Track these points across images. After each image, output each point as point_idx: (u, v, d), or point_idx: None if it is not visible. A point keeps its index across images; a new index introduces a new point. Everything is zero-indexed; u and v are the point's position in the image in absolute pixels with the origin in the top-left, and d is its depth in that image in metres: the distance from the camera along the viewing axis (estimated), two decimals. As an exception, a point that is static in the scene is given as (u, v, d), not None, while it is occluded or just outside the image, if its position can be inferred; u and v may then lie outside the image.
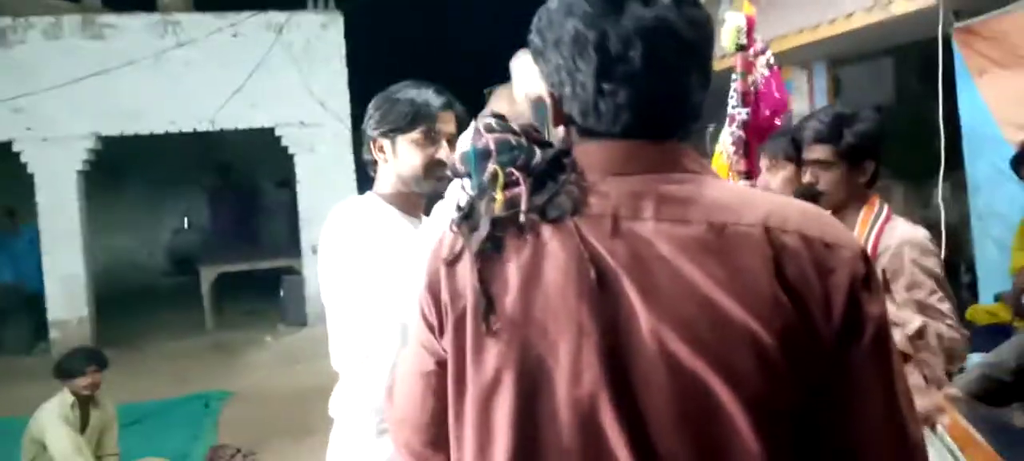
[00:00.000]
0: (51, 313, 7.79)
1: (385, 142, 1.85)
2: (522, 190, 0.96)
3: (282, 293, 8.41)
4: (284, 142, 8.20)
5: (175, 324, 8.74)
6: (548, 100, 1.02)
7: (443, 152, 1.83)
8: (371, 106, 1.88)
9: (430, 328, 1.06)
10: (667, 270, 0.88)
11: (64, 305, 7.78)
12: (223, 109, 7.89)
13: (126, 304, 9.64)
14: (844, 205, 2.15)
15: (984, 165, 4.03)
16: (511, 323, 0.94)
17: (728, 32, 2.63)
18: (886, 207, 2.18)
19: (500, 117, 1.08)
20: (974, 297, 4.10)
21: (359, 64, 8.39)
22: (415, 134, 1.81)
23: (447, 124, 1.85)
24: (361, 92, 8.34)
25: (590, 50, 0.92)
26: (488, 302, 0.95)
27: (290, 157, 8.27)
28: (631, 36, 0.90)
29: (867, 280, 0.88)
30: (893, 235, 2.09)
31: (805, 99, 5.96)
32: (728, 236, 0.87)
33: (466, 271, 0.99)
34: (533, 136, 1.03)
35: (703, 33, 0.95)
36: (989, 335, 3.21)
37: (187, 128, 7.91)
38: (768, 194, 0.97)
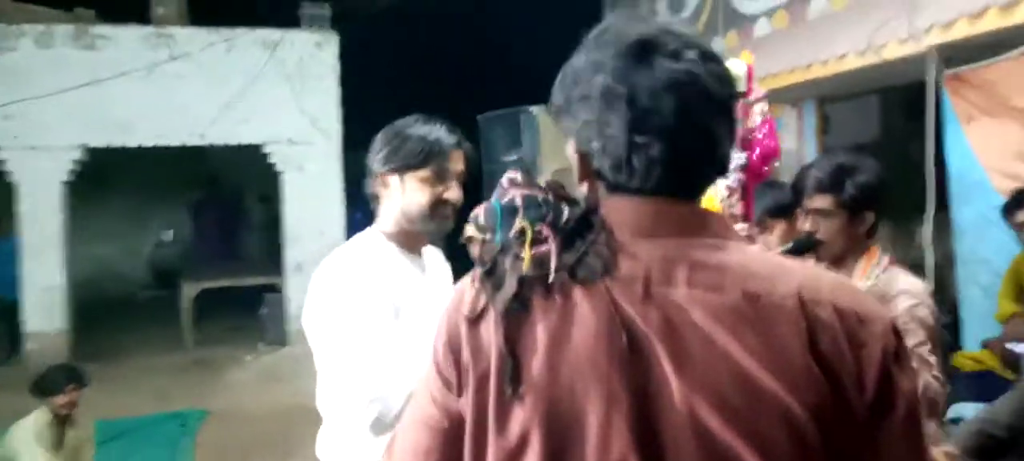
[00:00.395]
0: (28, 324, 7.65)
1: (393, 178, 1.83)
2: (551, 248, 0.95)
3: (263, 311, 8.33)
4: (272, 159, 8.16)
5: (154, 339, 8.62)
6: (574, 157, 1.02)
7: (451, 192, 1.82)
8: (379, 140, 1.86)
9: (446, 384, 1.03)
10: (700, 338, 0.87)
11: (41, 317, 7.64)
12: (213, 124, 7.84)
13: (105, 317, 9.51)
14: (843, 255, 2.16)
15: (970, 211, 4.08)
16: (537, 386, 0.92)
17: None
18: (886, 257, 2.18)
19: (526, 171, 1.08)
20: (954, 339, 4.14)
21: (352, 85, 8.37)
22: (425, 172, 1.79)
23: (457, 163, 1.84)
24: (353, 112, 8.34)
25: (621, 104, 0.92)
26: (514, 364, 0.93)
27: (277, 174, 8.22)
28: (661, 90, 0.91)
29: (898, 354, 0.88)
30: (892, 285, 2.10)
31: (794, 136, 6.02)
32: (762, 306, 0.87)
33: (490, 330, 0.97)
34: (560, 192, 1.02)
35: (729, 89, 0.96)
36: (975, 382, 3.24)
37: (176, 142, 7.85)
38: (799, 263, 0.98)
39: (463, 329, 1.01)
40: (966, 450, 1.62)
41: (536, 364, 0.93)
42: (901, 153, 6.68)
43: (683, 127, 0.91)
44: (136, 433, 5.70)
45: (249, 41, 8.01)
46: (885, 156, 4.45)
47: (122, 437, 5.54)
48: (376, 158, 1.84)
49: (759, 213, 2.73)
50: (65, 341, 7.69)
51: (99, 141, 7.67)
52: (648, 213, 0.95)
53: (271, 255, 9.41)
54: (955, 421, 2.70)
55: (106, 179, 10.37)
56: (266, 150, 8.11)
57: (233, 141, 8.00)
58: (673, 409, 0.86)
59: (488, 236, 1.06)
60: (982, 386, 3.16)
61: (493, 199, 1.05)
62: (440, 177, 1.81)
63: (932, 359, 2.01)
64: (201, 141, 7.89)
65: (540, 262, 0.95)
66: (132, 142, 7.74)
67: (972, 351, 3.60)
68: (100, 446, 5.02)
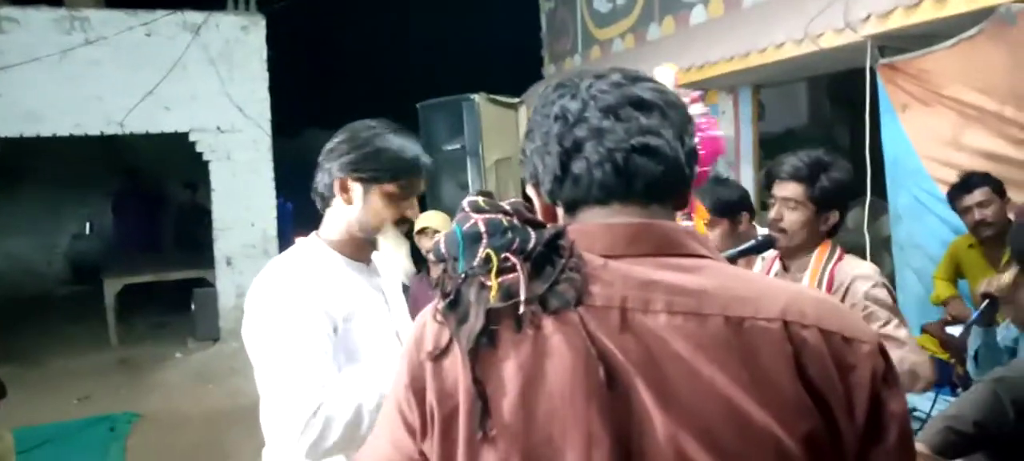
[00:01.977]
0: (-63, 326, 7.20)
1: (356, 186, 1.71)
2: (520, 276, 0.87)
3: (193, 306, 8.02)
4: (198, 148, 7.82)
5: (76, 338, 8.23)
6: (533, 194, 0.99)
7: (413, 209, 1.75)
8: (345, 141, 1.72)
9: (409, 429, 0.96)
10: (683, 370, 0.81)
11: (-49, 318, 7.20)
12: (133, 112, 7.44)
13: (21, 315, 9.04)
14: (801, 249, 2.19)
15: (906, 196, 4.16)
16: (511, 429, 0.85)
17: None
18: (838, 248, 2.23)
19: (487, 194, 0.99)
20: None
21: (280, 70, 8.10)
22: (393, 187, 1.70)
23: (422, 182, 1.77)
24: (282, 99, 8.07)
25: (550, 122, 0.93)
26: (484, 405, 0.86)
27: (204, 164, 7.90)
28: (587, 101, 0.92)
29: (886, 375, 0.84)
30: (845, 272, 2.14)
31: (731, 123, 6.07)
32: (746, 332, 0.82)
33: (455, 367, 0.90)
34: (524, 216, 0.95)
35: (665, 97, 0.94)
36: (917, 368, 3.31)
37: (93, 131, 7.42)
38: (779, 282, 0.93)
39: (428, 368, 0.93)
40: (934, 448, 1.63)
41: (509, 404, 0.86)
42: (826, 138, 6.84)
43: (614, 126, 0.90)
44: (61, 440, 5.40)
45: (170, 23, 7.63)
46: (812, 141, 4.53)
47: (46, 444, 5.24)
48: (340, 160, 1.70)
49: (704, 209, 2.76)
50: (-23, 343, 7.26)
51: (9, 131, 7.20)
52: (617, 233, 0.90)
53: (196, 247, 9.07)
54: (910, 411, 2.74)
55: (17, 171, 9.85)
56: (192, 138, 7.77)
57: (155, 130, 7.62)
58: (657, 447, 0.80)
59: (449, 266, 0.97)
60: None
61: (453, 225, 0.96)
62: (406, 194, 1.73)
63: (901, 334, 2.05)
64: (120, 130, 7.49)
65: (508, 292, 0.88)
66: (45, 132, 7.28)
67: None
68: (22, 455, 4.74)
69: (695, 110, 3.00)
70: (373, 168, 1.69)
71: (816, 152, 2.19)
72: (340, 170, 1.70)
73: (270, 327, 1.62)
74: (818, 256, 2.20)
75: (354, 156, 1.69)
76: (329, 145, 1.74)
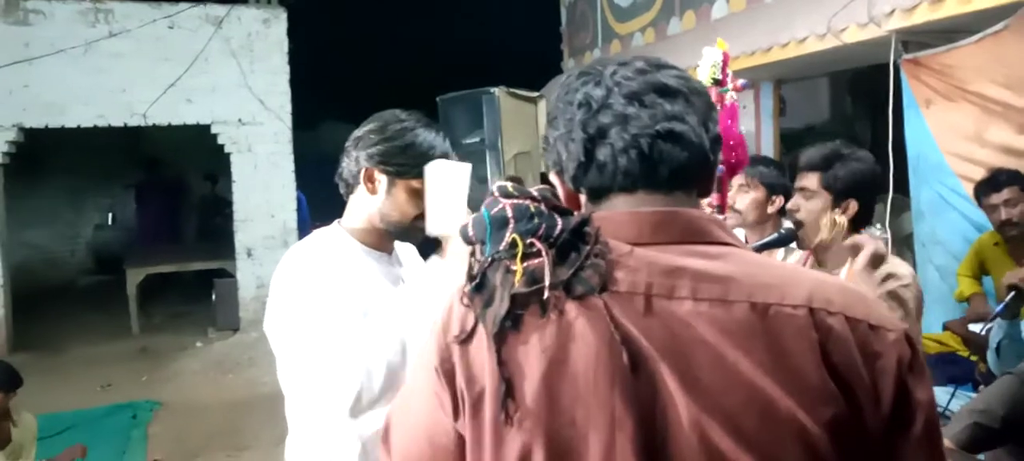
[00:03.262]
0: (-37, 314, 7.31)
1: (382, 178, 1.69)
2: (544, 262, 0.88)
3: (214, 296, 8.10)
4: (220, 140, 7.88)
5: (99, 327, 8.32)
6: (556, 181, 0.99)
7: None
8: (375, 131, 1.70)
9: (442, 406, 0.97)
10: (708, 355, 0.81)
11: (-23, 305, 7.31)
12: (156, 104, 7.52)
13: (45, 304, 9.16)
14: (828, 244, 2.12)
15: (929, 192, 4.13)
16: (536, 411, 0.86)
17: (706, 66, 2.66)
18: None
19: (517, 180, 1.00)
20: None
21: (302, 63, 8.14)
22: (419, 183, 1.66)
23: None
24: (303, 91, 8.12)
25: (574, 109, 0.93)
26: (508, 388, 0.87)
27: (226, 156, 7.97)
28: (611, 87, 0.91)
29: (912, 363, 0.84)
30: (882, 269, 2.04)
31: (752, 118, 6.04)
32: (772, 319, 0.82)
33: (481, 350, 0.91)
34: (552, 203, 0.95)
35: (689, 84, 0.94)
36: (939, 364, 3.28)
37: (117, 123, 7.50)
38: (805, 270, 0.93)
39: (455, 351, 0.94)
40: (960, 443, 1.62)
41: (533, 388, 0.87)
42: (849, 133, 6.79)
43: (638, 113, 0.90)
44: (84, 426, 5.45)
45: (193, 16, 7.69)
46: (838, 137, 4.50)
47: (68, 431, 5.30)
48: (368, 149, 1.69)
49: (750, 172, 2.70)
50: (3, 331, 7.36)
51: (34, 122, 7.30)
52: (643, 220, 0.90)
53: (217, 238, 9.15)
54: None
55: (42, 161, 9.97)
56: (214, 131, 7.84)
57: (177, 121, 7.69)
58: (682, 431, 0.81)
59: (476, 249, 0.98)
60: (947, 368, 3.20)
61: (482, 209, 0.97)
62: None
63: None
64: (143, 121, 7.56)
65: (533, 277, 0.88)
66: (69, 123, 7.37)
67: (933, 333, 3.65)
68: (45, 441, 4.80)
69: (732, 97, 2.95)
70: (401, 162, 1.67)
71: (835, 143, 2.16)
72: (368, 160, 1.69)
73: (301, 311, 1.60)
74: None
75: (383, 147, 1.68)
76: (358, 132, 1.72)
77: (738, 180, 2.77)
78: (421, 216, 1.68)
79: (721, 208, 2.72)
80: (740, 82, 2.95)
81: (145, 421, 5.68)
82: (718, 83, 2.81)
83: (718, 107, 2.87)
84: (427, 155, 1.67)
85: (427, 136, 1.70)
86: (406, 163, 1.67)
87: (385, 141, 1.68)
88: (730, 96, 2.90)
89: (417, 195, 1.68)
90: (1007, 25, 3.38)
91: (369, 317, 1.65)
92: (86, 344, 7.72)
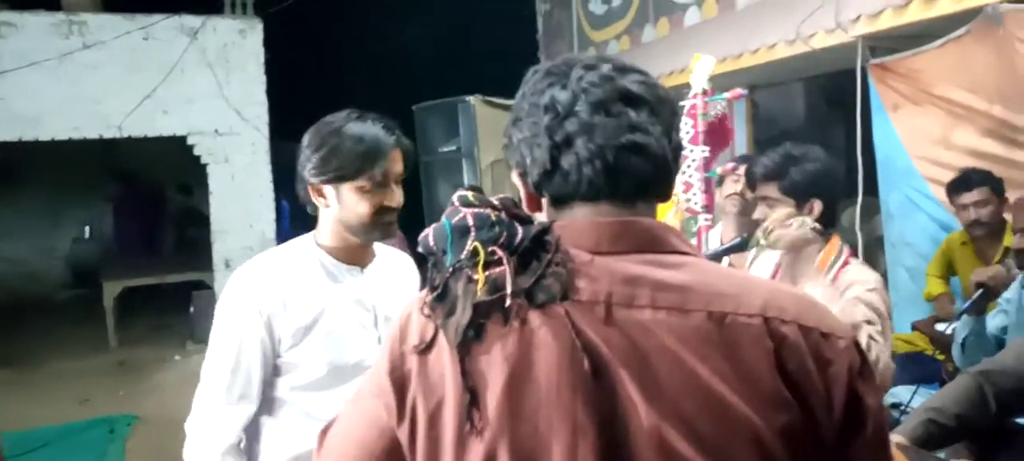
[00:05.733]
0: (-64, 330, 7.21)
1: (327, 189, 1.68)
2: (506, 271, 0.90)
3: (192, 309, 8.04)
4: (197, 151, 7.84)
5: (75, 341, 8.22)
6: (518, 183, 1.00)
7: (392, 198, 1.69)
8: (308, 144, 1.68)
9: (387, 413, 0.98)
10: (667, 362, 0.84)
11: (-50, 321, 7.21)
12: (131, 115, 7.46)
13: (22, 319, 9.05)
14: (799, 246, 2.10)
15: (897, 195, 4.20)
16: (499, 420, 0.87)
17: (699, 73, 2.73)
18: (846, 250, 2.17)
19: (477, 189, 1.02)
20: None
21: (278, 73, 8.12)
22: (362, 181, 1.64)
23: (396, 164, 1.70)
24: (280, 102, 8.09)
25: (540, 112, 0.93)
26: (472, 397, 0.88)
27: (202, 167, 7.92)
28: (578, 93, 0.92)
29: (862, 369, 0.87)
30: (846, 280, 2.08)
31: (726, 123, 6.10)
32: (728, 327, 0.85)
33: (440, 360, 0.92)
34: (512, 211, 0.96)
35: (655, 92, 0.95)
36: (908, 363, 3.34)
37: (92, 135, 7.43)
38: (760, 279, 0.96)
39: (412, 362, 0.95)
40: (915, 439, 1.66)
41: (495, 396, 0.88)
42: (822, 138, 6.86)
43: (604, 122, 0.91)
44: (61, 442, 5.39)
45: (168, 27, 7.65)
46: (811, 142, 4.57)
47: (45, 447, 5.25)
48: (307, 166, 1.67)
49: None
50: (-23, 347, 7.27)
51: (7, 135, 7.21)
52: (603, 230, 0.92)
53: (191, 250, 9.08)
54: (895, 406, 2.77)
55: (16, 175, 9.86)
56: (190, 142, 7.79)
57: (153, 133, 7.63)
58: (641, 436, 0.83)
59: (437, 259, 1.00)
60: (915, 368, 3.26)
61: (443, 218, 0.99)
62: (380, 184, 1.66)
63: (879, 339, 1.99)
64: (119, 133, 7.50)
65: (495, 285, 0.90)
66: (44, 136, 7.30)
67: (902, 333, 3.71)
68: (21, 457, 4.75)
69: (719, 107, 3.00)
70: (334, 168, 1.64)
71: (783, 147, 2.16)
72: (310, 176, 1.68)
73: (216, 320, 1.72)
74: (822, 258, 2.10)
75: (315, 160, 1.65)
76: (300, 152, 1.70)
77: (728, 165, 2.78)
78: (378, 212, 1.68)
79: (708, 208, 2.78)
80: (739, 90, 3.00)
81: (123, 436, 5.61)
82: (705, 92, 2.89)
83: (691, 118, 2.92)
84: (354, 152, 1.64)
85: (353, 132, 1.65)
86: (342, 166, 1.64)
87: (316, 153, 1.66)
88: (721, 105, 2.96)
89: (364, 194, 1.66)
90: (969, 30, 3.45)
91: (315, 332, 1.69)
92: (63, 358, 7.62)
